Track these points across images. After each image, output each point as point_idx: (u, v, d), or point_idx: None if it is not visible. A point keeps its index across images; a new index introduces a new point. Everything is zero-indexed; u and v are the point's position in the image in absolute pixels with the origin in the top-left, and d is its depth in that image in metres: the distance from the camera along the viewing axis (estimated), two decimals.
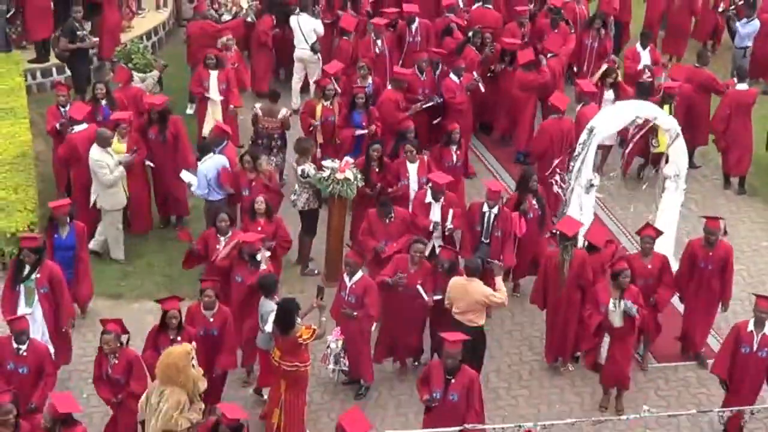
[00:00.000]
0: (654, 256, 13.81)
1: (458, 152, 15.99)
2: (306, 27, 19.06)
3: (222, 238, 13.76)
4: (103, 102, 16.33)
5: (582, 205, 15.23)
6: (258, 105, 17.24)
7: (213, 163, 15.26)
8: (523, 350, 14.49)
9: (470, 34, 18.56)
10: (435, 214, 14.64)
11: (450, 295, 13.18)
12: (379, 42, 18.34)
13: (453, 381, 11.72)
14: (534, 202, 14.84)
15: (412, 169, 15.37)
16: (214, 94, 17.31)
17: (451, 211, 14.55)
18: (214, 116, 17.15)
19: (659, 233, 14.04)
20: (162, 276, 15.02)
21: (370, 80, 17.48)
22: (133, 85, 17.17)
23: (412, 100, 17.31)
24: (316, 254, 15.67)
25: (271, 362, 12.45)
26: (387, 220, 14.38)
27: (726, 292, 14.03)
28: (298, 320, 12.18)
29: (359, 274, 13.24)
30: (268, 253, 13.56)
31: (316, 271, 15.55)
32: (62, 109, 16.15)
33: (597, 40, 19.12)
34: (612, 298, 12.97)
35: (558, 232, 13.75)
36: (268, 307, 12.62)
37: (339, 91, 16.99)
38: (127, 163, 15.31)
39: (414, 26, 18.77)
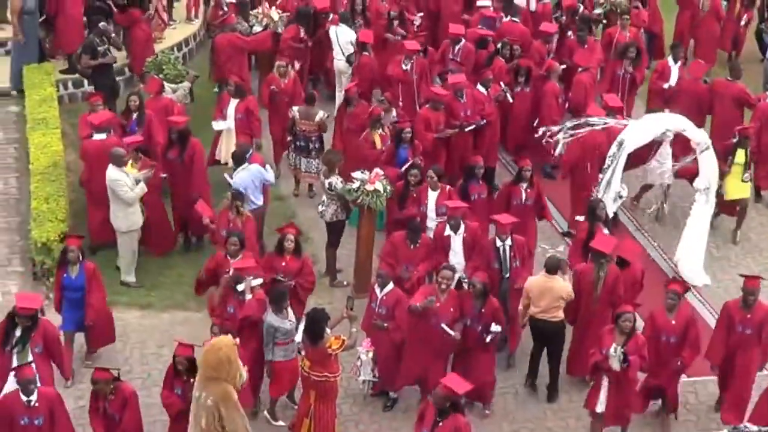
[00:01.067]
0: (679, 313, 12.93)
1: (528, 190, 15.30)
2: (343, 38, 19.04)
3: (232, 261, 13.53)
4: (135, 115, 16.30)
5: None
6: (295, 108, 17.19)
7: (248, 174, 15.25)
8: None
9: (499, 45, 18.58)
10: (456, 245, 14.36)
11: (530, 295, 13.33)
12: (408, 66, 18.14)
13: (440, 425, 11.43)
14: (605, 231, 14.48)
15: (432, 197, 15.15)
16: (230, 122, 17.01)
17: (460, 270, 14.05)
18: (227, 144, 16.96)
19: (686, 289, 13.56)
20: (192, 287, 15.02)
21: (394, 113, 17.15)
22: (165, 96, 17.23)
23: (453, 125, 16.92)
24: (344, 265, 15.70)
25: (279, 371, 12.60)
26: (413, 246, 14.27)
27: (766, 356, 13.14)
28: (328, 331, 12.21)
29: (390, 285, 13.26)
30: (256, 282, 13.11)
31: (345, 282, 15.55)
32: None
33: (629, 69, 18.76)
34: (614, 343, 12.45)
35: (592, 250, 13.62)
36: (277, 323, 12.59)
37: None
38: (146, 179, 15.13)
39: (458, 47, 18.67)
